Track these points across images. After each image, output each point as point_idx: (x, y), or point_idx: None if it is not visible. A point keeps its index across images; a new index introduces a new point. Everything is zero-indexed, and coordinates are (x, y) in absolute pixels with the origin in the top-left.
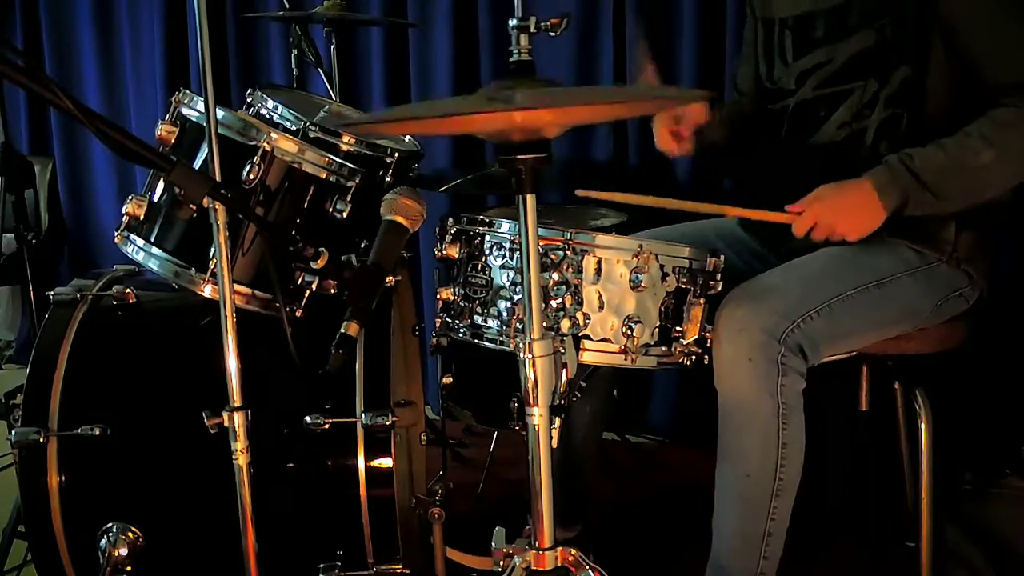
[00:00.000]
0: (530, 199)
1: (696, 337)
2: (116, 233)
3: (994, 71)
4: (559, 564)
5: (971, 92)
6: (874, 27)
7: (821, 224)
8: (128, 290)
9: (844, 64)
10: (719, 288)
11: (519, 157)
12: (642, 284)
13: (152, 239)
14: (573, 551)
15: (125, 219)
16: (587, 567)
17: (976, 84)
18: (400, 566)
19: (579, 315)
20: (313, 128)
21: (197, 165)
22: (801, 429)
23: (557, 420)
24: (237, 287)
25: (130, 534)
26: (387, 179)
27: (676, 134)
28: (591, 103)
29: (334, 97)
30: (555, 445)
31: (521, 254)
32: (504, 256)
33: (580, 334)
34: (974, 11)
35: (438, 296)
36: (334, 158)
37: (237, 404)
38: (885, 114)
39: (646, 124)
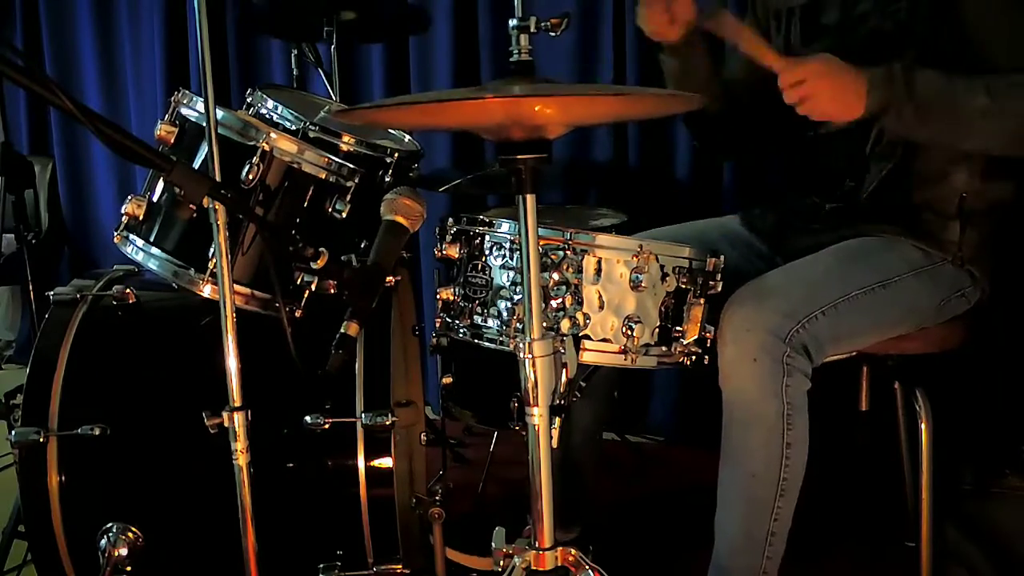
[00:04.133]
0: (530, 199)
1: (696, 337)
2: (116, 233)
3: (1007, 59)
4: (559, 564)
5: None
6: (886, 12)
7: (808, 83)
8: (128, 290)
9: (856, 50)
10: (719, 288)
11: (519, 157)
12: (642, 284)
13: (152, 239)
14: (573, 551)
15: (125, 219)
16: (587, 567)
17: (986, 72)
18: (400, 566)
19: (579, 315)
20: (313, 128)
21: (197, 165)
22: (806, 430)
23: (557, 420)
24: (237, 287)
25: (130, 534)
26: (387, 179)
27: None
28: (589, 95)
29: (334, 97)
30: (555, 445)
31: (521, 254)
32: (504, 256)
33: (580, 334)
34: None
35: (438, 296)
36: (334, 158)
37: (237, 404)
38: None
39: (646, 125)
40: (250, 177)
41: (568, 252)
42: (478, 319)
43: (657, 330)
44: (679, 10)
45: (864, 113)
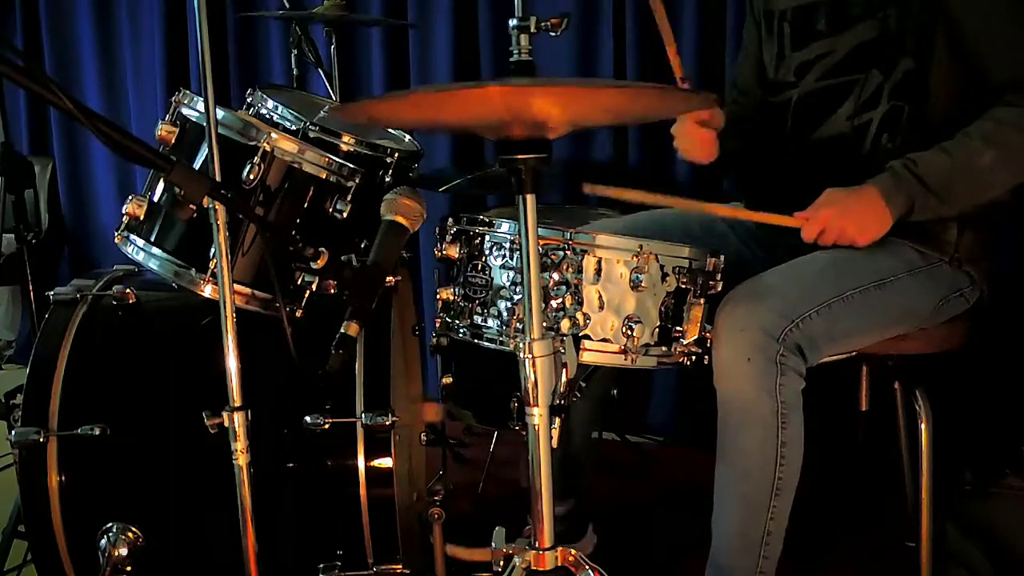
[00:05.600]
0: (530, 199)
1: (696, 337)
2: (116, 233)
3: (998, 68)
4: (559, 564)
5: (973, 86)
6: (877, 17)
7: (830, 228)
8: (128, 290)
9: (847, 55)
10: (719, 288)
11: (519, 157)
12: (642, 284)
13: (152, 239)
14: (573, 551)
15: (125, 219)
16: (587, 567)
17: (979, 80)
18: (400, 566)
19: (579, 315)
20: (313, 128)
21: (197, 165)
22: (800, 429)
23: (557, 420)
24: (237, 287)
25: (130, 534)
26: (387, 179)
27: (704, 137)
28: (588, 88)
29: (334, 97)
30: (555, 445)
31: (521, 254)
32: (504, 256)
33: (580, 334)
34: (977, 6)
35: (438, 296)
36: (334, 158)
37: (237, 404)
38: (888, 106)
39: (646, 125)
40: (250, 177)
41: (568, 252)
42: (478, 319)
43: (657, 330)
44: (715, 122)
45: (893, 221)
